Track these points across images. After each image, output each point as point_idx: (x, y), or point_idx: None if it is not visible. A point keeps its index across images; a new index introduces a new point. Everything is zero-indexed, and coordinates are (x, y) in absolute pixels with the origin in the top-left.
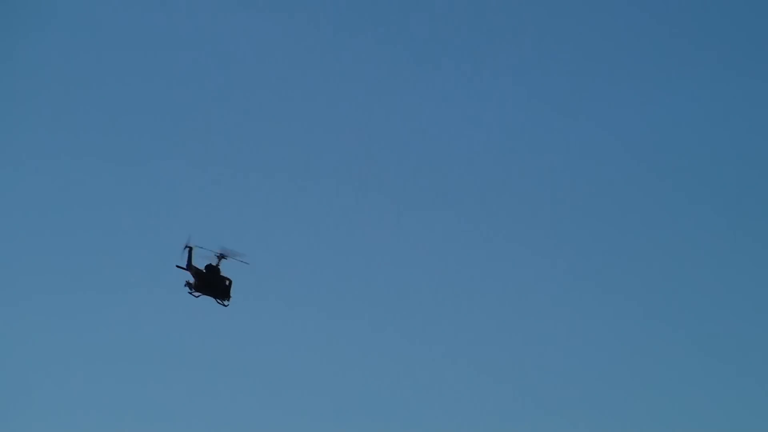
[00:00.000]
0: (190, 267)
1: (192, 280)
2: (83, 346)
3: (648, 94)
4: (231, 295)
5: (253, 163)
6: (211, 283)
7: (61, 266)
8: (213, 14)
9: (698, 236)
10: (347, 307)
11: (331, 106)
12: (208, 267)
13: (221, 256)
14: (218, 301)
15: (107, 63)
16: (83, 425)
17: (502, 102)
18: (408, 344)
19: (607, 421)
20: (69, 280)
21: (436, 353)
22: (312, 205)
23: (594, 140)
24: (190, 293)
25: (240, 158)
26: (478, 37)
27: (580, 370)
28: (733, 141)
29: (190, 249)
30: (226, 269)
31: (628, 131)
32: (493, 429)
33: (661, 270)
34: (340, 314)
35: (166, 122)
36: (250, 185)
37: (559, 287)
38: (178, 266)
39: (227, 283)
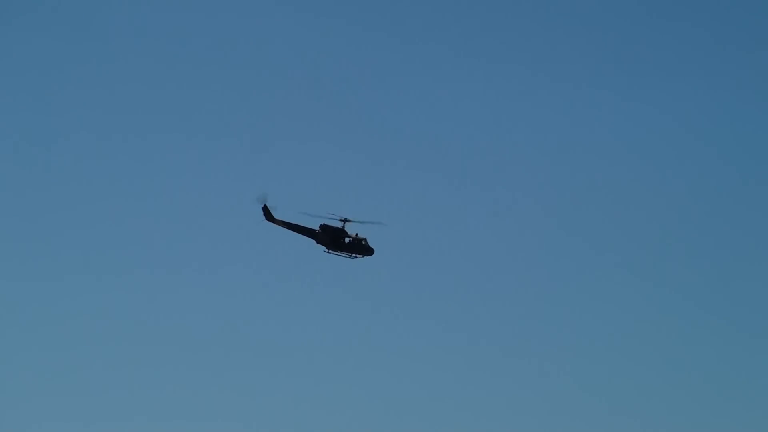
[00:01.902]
0: (274, 220)
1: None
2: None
3: (648, 94)
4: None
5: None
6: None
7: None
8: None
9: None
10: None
11: None
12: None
13: (345, 220)
14: (353, 255)
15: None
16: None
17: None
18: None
19: None
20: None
21: None
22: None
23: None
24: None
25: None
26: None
27: None
28: (733, 141)
29: (265, 206)
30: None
31: (628, 130)
32: None
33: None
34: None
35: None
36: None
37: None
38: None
39: (357, 242)
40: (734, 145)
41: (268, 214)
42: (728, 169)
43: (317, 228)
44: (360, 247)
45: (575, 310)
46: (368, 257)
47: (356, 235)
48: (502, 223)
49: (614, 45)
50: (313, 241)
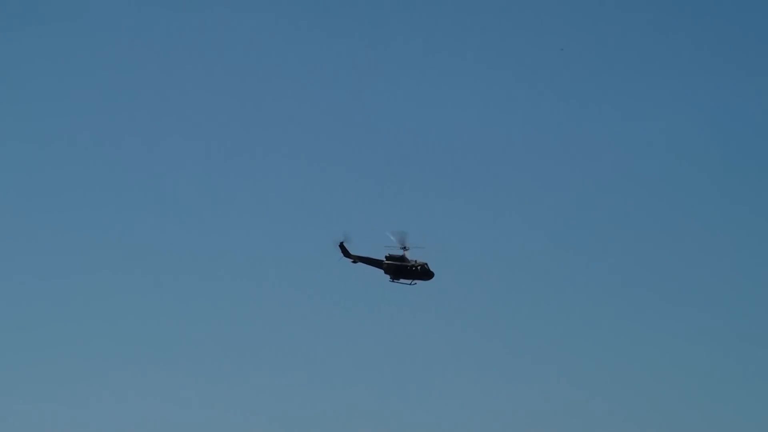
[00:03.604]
0: (351, 256)
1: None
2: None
3: (648, 94)
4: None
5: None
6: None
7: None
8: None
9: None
10: None
11: None
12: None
13: (405, 248)
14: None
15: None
16: None
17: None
18: None
19: None
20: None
21: None
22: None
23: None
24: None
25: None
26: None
27: None
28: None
29: (342, 244)
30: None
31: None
32: None
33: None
34: None
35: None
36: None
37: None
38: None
39: (419, 268)
40: (734, 145)
41: (345, 251)
42: (728, 168)
43: (384, 259)
44: (422, 273)
45: (577, 309)
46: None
47: (416, 261)
48: (502, 223)
49: (614, 45)
50: (381, 271)
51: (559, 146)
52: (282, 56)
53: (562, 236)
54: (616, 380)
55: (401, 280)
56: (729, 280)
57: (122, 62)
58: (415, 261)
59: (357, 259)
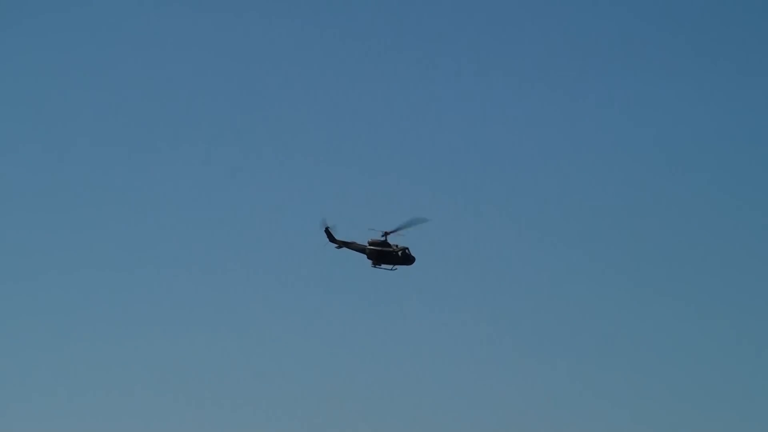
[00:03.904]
0: (336, 241)
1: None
2: None
3: (647, 95)
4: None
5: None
6: (385, 254)
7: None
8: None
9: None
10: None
11: None
12: (378, 242)
13: (386, 233)
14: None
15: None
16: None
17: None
18: None
19: None
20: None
21: None
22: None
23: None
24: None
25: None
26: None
27: None
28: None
29: (327, 229)
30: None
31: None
32: None
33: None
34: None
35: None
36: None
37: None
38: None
39: (400, 253)
40: (733, 145)
41: (330, 236)
42: (728, 168)
43: (367, 244)
44: (404, 258)
45: (580, 310)
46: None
47: (396, 246)
48: (503, 223)
49: (610, 45)
50: (365, 257)
51: (555, 144)
52: (281, 56)
53: (544, 224)
54: (600, 364)
55: (383, 266)
56: (729, 281)
57: (122, 62)
58: (396, 245)
59: (341, 244)
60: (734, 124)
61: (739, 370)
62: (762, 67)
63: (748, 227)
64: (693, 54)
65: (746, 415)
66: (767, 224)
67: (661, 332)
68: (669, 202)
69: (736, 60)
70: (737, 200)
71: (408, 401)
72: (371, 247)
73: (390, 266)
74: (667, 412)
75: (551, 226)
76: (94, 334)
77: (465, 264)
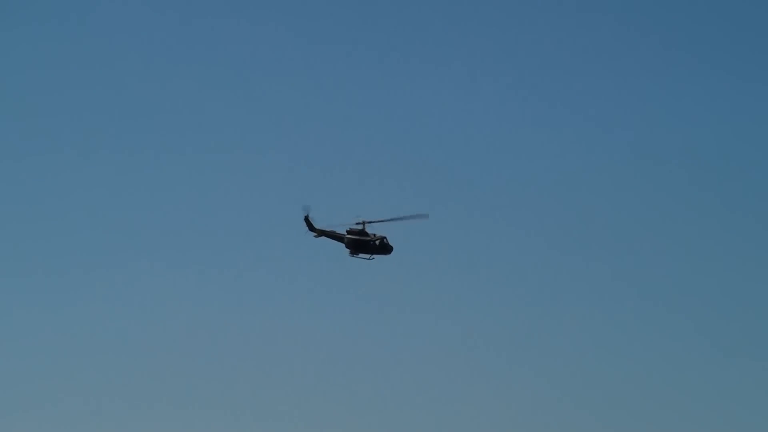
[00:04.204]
0: (315, 229)
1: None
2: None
3: (647, 94)
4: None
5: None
6: (363, 244)
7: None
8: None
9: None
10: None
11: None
12: (357, 231)
13: (364, 222)
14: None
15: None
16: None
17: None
18: None
19: None
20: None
21: None
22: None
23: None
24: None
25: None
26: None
27: None
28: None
29: (307, 217)
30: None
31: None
32: None
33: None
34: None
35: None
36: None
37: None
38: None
39: (378, 242)
40: (734, 145)
41: (309, 224)
42: (728, 168)
43: (345, 233)
44: (381, 247)
45: (571, 309)
46: (386, 256)
47: (374, 235)
48: (503, 223)
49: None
50: (343, 246)
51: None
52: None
53: (533, 219)
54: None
55: (360, 255)
56: (729, 280)
57: (121, 62)
58: (374, 235)
59: (320, 233)
60: (734, 124)
61: (739, 370)
62: (762, 67)
63: (749, 227)
64: (693, 54)
65: (746, 414)
66: (767, 224)
67: (660, 332)
68: (669, 202)
69: (736, 60)
70: (737, 200)
71: (383, 393)
72: (349, 236)
73: (367, 256)
74: (663, 415)
75: (541, 222)
76: (94, 334)
77: (448, 258)
